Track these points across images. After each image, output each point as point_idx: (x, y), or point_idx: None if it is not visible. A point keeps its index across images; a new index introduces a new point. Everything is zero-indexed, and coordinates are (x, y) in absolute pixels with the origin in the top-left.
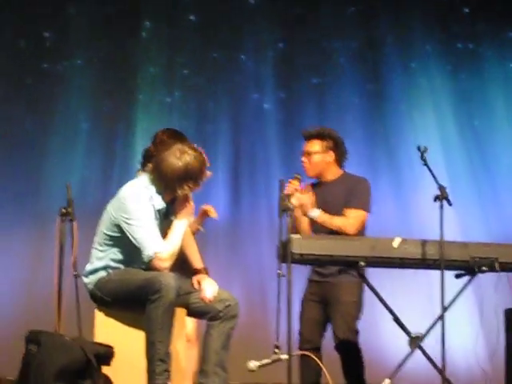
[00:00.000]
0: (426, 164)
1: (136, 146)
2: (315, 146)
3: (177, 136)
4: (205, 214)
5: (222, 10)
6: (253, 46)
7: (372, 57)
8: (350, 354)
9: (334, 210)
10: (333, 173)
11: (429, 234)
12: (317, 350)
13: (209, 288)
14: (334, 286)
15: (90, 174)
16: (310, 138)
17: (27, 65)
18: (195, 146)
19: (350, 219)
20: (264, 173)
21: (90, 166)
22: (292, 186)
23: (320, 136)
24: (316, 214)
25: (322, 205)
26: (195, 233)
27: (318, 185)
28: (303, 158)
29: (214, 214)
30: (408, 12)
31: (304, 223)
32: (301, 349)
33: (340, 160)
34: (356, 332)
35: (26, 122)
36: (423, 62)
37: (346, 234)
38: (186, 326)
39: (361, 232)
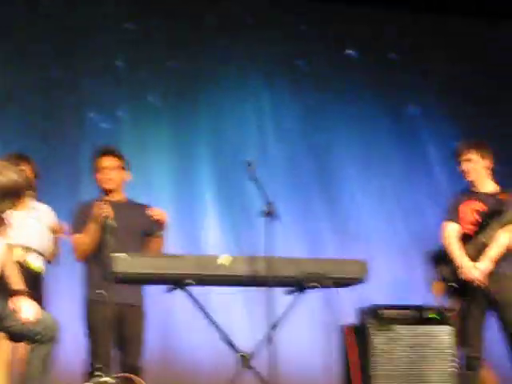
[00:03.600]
0: (253, 179)
1: None
2: (114, 161)
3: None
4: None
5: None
6: (89, 65)
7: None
8: None
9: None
10: (121, 193)
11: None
12: None
13: (28, 309)
14: None
15: None
16: (106, 153)
17: None
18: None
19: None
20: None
21: None
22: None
23: (115, 153)
24: None
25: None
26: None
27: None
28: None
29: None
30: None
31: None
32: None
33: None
34: None
35: None
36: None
37: None
38: (6, 352)
39: None
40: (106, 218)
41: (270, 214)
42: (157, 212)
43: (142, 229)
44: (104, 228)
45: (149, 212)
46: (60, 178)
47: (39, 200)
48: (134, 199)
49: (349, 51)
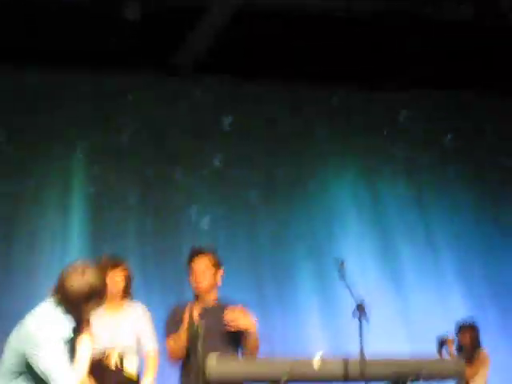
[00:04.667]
0: (344, 278)
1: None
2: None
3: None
4: None
5: None
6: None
7: None
8: None
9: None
10: (212, 294)
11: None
12: None
13: None
14: None
15: None
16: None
17: None
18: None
19: None
20: None
21: None
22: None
23: (207, 254)
24: None
25: None
26: None
27: None
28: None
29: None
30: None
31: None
32: None
33: None
34: None
35: None
36: None
37: None
38: None
39: None
40: (193, 324)
41: (360, 314)
42: (237, 314)
43: (231, 331)
44: (192, 334)
45: (230, 315)
46: (163, 276)
47: (139, 299)
48: (225, 300)
49: None
